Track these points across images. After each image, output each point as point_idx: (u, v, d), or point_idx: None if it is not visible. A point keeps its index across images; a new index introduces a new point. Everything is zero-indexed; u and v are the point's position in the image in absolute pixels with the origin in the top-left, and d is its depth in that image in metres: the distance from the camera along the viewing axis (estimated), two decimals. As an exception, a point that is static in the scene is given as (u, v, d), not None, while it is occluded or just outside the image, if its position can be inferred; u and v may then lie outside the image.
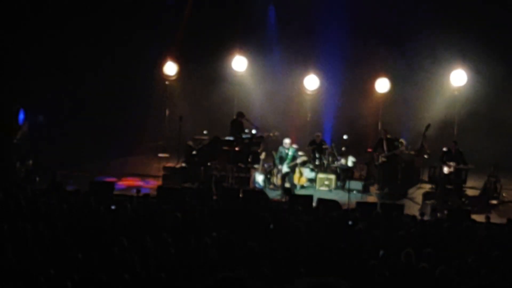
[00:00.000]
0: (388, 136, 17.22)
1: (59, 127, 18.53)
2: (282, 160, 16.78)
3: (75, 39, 18.62)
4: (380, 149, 17.06)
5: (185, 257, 9.18)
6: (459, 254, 9.80)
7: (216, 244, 9.59)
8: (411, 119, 19.34)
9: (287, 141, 16.89)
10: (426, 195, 16.10)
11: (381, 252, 9.87)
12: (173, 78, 20.18)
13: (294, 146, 17.30)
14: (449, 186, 16.10)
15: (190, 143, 17.99)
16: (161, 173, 17.23)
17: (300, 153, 17.36)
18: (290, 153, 16.79)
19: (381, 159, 16.92)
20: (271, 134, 17.76)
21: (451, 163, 16.10)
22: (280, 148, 16.90)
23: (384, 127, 17.90)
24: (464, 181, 16.49)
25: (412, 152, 17.80)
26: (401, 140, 17.59)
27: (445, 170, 16.14)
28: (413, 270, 8.88)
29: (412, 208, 15.00)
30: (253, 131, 17.60)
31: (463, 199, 16.07)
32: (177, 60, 20.08)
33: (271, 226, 11.14)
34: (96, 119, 19.35)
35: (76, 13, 18.70)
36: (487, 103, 19.23)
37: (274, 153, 17.14)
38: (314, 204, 13.85)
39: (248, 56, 20.10)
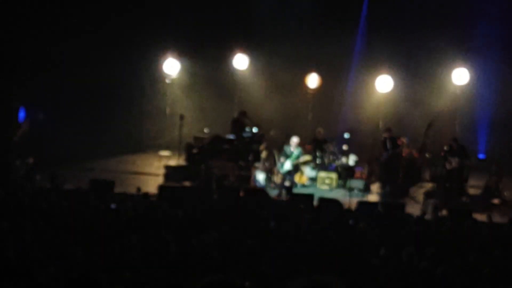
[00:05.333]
0: (390, 135, 17.16)
1: (60, 125, 18.49)
2: (286, 158, 16.67)
3: (75, 36, 18.57)
4: (383, 148, 17.00)
5: (186, 255, 9.15)
6: (460, 254, 9.77)
7: (216, 243, 9.56)
8: (413, 117, 19.27)
9: (295, 140, 16.69)
10: (427, 194, 16.05)
11: (382, 251, 9.83)
12: (174, 76, 20.12)
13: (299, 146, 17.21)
14: (450, 185, 16.05)
15: (191, 141, 17.96)
16: (162, 171, 17.21)
17: (303, 151, 17.27)
18: (296, 152, 16.67)
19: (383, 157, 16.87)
20: (272, 133, 17.68)
21: (453, 159, 16.04)
22: (286, 147, 16.79)
23: (386, 126, 17.85)
24: (466, 180, 16.45)
25: (414, 151, 17.74)
26: (403, 139, 17.53)
27: (447, 166, 16.09)
28: (415, 269, 8.85)
29: (414, 207, 14.96)
30: (254, 130, 17.54)
31: (465, 198, 16.03)
32: (178, 58, 20.03)
33: (272, 224, 11.11)
34: (97, 116, 19.31)
35: (76, 10, 18.66)
36: (489, 102, 19.17)
37: (275, 151, 17.07)
38: (315, 203, 13.81)
39: (249, 54, 20.05)
